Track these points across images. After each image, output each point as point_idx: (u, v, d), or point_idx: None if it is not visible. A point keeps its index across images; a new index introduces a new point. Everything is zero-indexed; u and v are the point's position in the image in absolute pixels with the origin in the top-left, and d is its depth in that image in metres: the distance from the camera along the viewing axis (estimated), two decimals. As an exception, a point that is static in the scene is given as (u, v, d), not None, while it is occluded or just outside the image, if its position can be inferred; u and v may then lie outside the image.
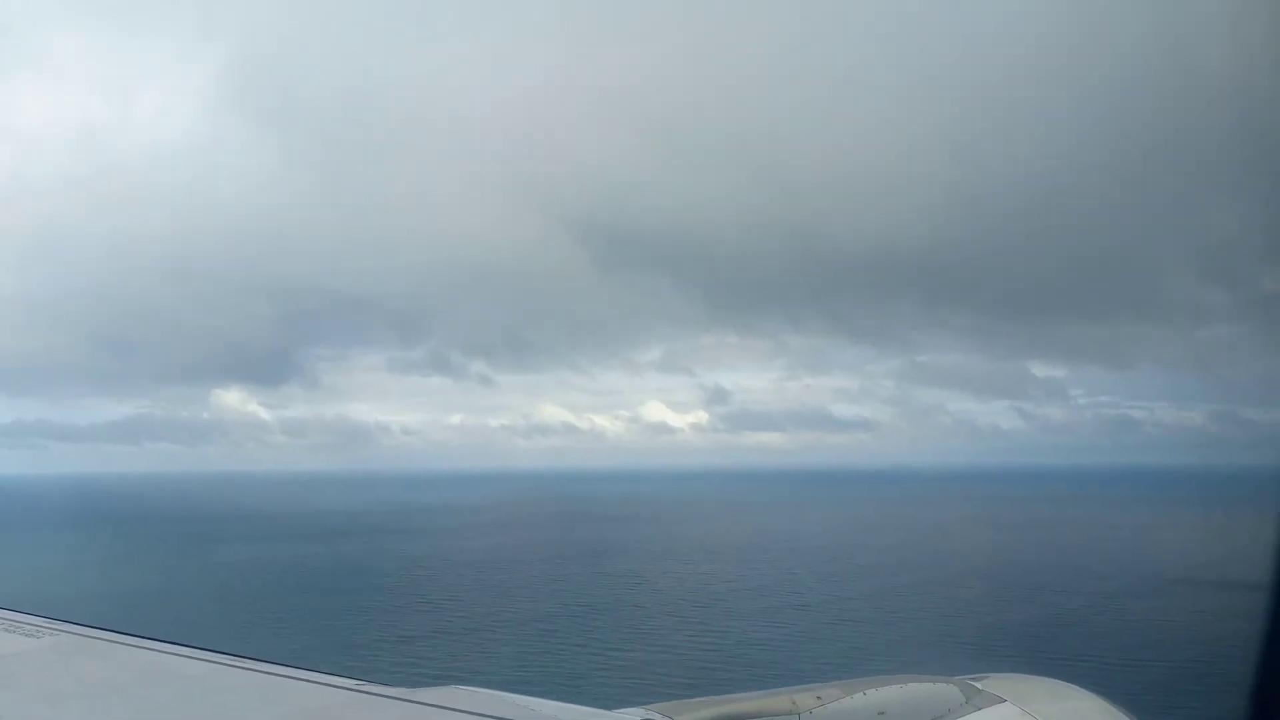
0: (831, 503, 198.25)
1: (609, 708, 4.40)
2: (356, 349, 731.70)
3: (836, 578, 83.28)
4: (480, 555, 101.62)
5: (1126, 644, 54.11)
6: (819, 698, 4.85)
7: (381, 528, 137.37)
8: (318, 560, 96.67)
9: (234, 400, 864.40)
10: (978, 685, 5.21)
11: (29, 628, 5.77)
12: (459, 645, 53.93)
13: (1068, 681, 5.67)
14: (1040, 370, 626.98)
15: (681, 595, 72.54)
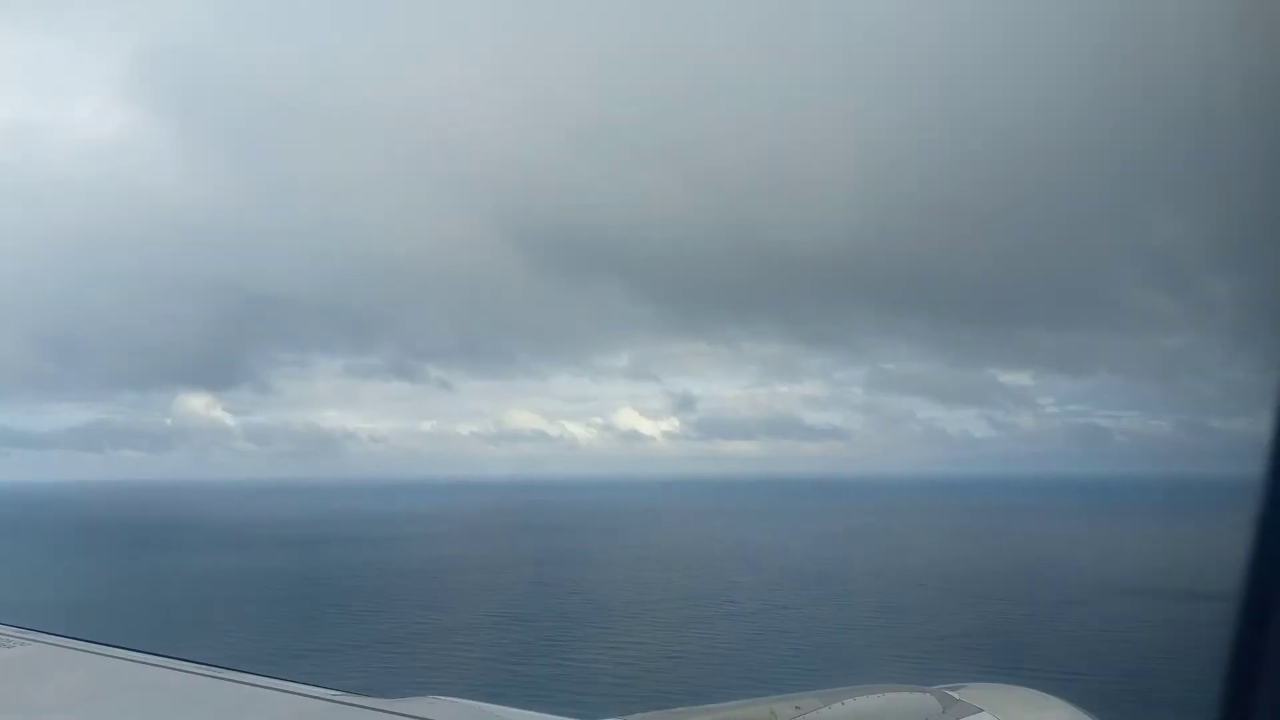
0: (795, 512, 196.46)
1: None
2: (306, 353, 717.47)
3: (778, 586, 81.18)
4: (421, 564, 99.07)
5: (1060, 654, 52.22)
6: (797, 707, 4.77)
7: (329, 536, 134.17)
8: (246, 570, 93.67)
9: (198, 406, 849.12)
10: (955, 695, 5.18)
11: (1, 637, 5.63)
12: (357, 660, 51.20)
13: (1043, 691, 5.55)
14: (1004, 378, 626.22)
15: (613, 606, 70.16)
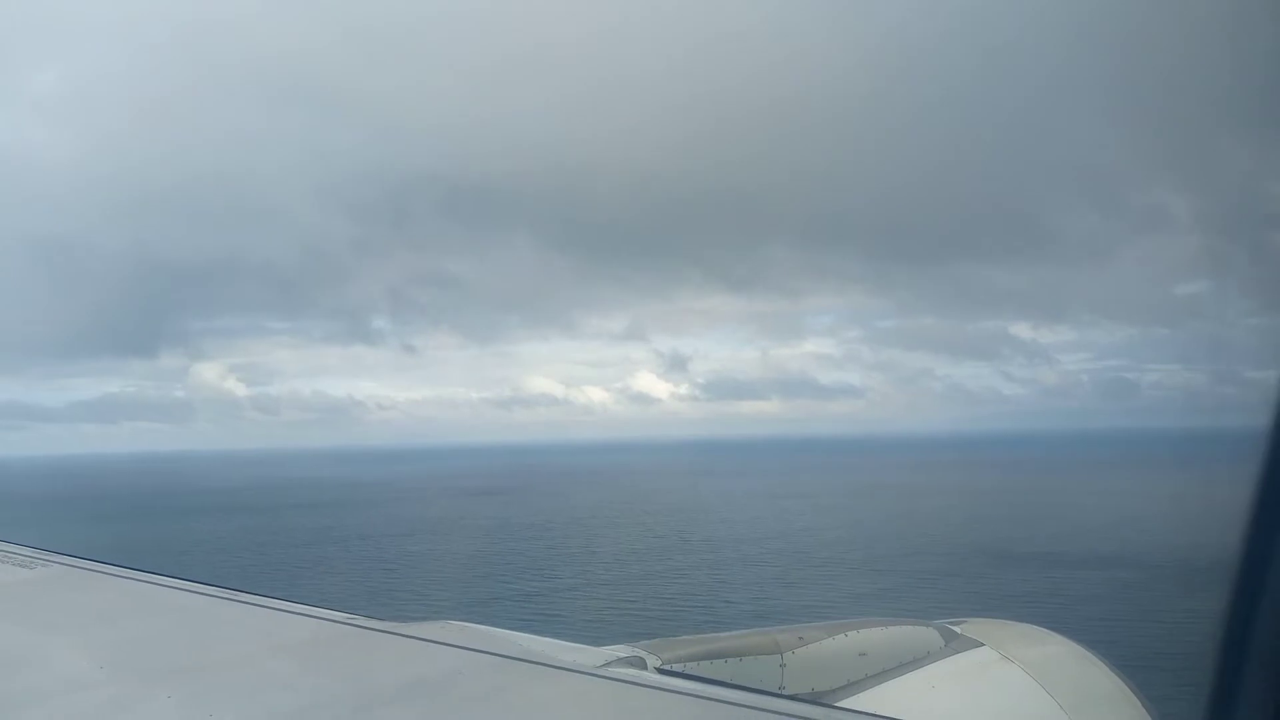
0: (773, 470, 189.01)
1: None
2: (239, 316, 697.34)
3: (638, 556, 73.39)
4: (337, 530, 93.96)
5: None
6: (801, 638, 4.68)
7: (257, 505, 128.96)
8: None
9: (211, 376, 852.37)
10: (956, 629, 5.29)
11: (21, 558, 5.63)
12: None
13: (1044, 627, 5.60)
14: (1011, 329, 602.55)
15: (404, 588, 62.23)
